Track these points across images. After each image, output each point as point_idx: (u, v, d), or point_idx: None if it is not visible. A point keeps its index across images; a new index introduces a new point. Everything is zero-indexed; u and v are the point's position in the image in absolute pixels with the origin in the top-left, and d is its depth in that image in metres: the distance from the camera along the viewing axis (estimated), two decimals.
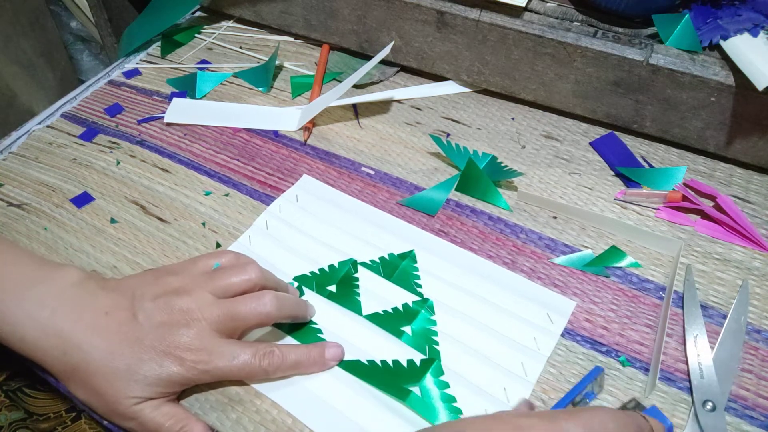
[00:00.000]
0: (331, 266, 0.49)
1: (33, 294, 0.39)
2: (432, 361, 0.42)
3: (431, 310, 0.46)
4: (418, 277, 0.48)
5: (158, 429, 0.38)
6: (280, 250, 0.50)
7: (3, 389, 0.44)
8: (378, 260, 0.49)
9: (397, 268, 0.48)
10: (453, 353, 0.43)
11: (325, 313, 0.46)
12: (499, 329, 0.45)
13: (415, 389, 0.41)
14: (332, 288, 0.47)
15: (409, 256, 0.49)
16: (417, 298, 0.46)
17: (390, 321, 0.45)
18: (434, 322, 0.45)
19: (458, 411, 0.40)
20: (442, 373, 0.42)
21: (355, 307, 0.46)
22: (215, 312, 0.39)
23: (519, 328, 0.44)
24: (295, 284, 0.48)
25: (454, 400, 0.41)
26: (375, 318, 0.45)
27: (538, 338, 0.44)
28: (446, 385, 0.41)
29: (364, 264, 0.49)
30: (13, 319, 0.38)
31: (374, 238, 0.51)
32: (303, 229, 0.52)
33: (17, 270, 0.40)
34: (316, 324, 0.45)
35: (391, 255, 0.49)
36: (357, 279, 0.48)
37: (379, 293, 0.47)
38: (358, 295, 0.47)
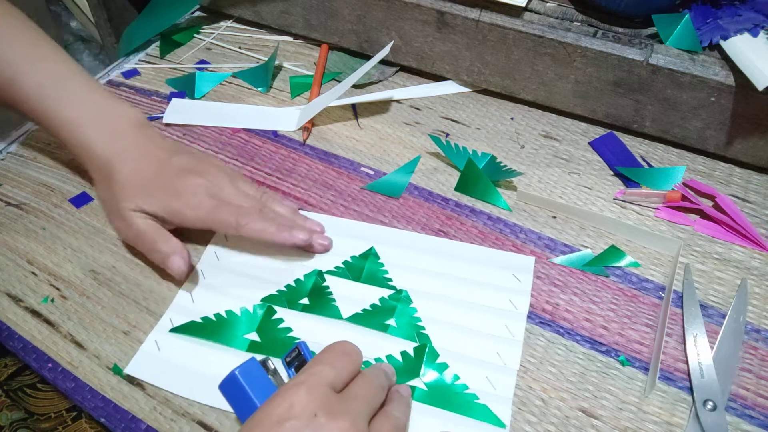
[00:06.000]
0: (297, 280, 0.48)
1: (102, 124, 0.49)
2: (424, 346, 0.43)
3: (408, 300, 0.46)
4: (386, 272, 0.48)
5: (141, 236, 0.47)
6: (237, 277, 0.49)
7: (4, 389, 0.44)
8: (342, 265, 0.49)
9: (363, 269, 0.48)
10: (441, 334, 0.44)
11: (304, 326, 0.45)
12: (476, 300, 0.46)
13: (418, 383, 0.41)
14: (305, 301, 0.47)
15: (371, 254, 0.49)
16: (391, 291, 0.47)
17: (372, 318, 0.45)
18: (415, 309, 0.46)
19: (464, 386, 0.41)
20: (437, 355, 0.43)
21: (333, 312, 0.46)
22: None
23: (493, 295, 0.46)
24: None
25: (457, 378, 0.42)
26: (356, 318, 0.45)
27: (513, 299, 0.46)
28: (445, 366, 0.42)
29: (329, 272, 0.48)
30: (82, 131, 0.48)
31: (331, 246, 0.50)
32: (254, 252, 0.51)
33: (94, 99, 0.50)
34: (299, 338, 0.44)
35: (353, 257, 0.49)
36: (328, 287, 0.47)
37: (353, 296, 0.47)
38: (334, 300, 0.46)
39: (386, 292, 0.47)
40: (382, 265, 0.49)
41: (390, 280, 0.48)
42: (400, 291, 0.47)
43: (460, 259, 0.49)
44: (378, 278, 0.48)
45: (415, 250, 0.49)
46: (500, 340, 0.44)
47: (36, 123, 0.50)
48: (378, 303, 0.46)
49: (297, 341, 0.42)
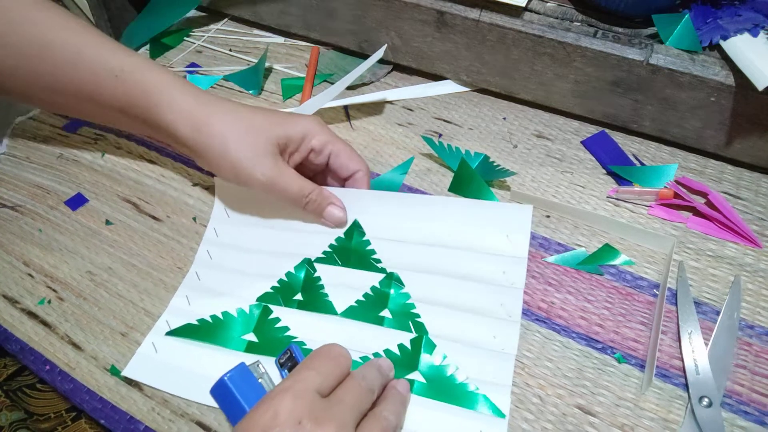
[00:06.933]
0: (288, 274, 0.48)
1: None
2: (420, 338, 0.43)
3: (400, 283, 0.46)
4: (374, 252, 0.48)
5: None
6: (233, 275, 0.49)
7: (3, 389, 0.44)
8: (329, 249, 0.49)
9: (351, 250, 0.48)
10: (436, 319, 0.44)
11: (301, 323, 0.45)
12: (467, 272, 0.46)
13: (417, 376, 0.41)
14: (299, 297, 0.47)
15: (356, 230, 0.49)
16: (382, 276, 0.47)
17: (366, 310, 0.45)
18: (408, 295, 0.45)
19: (463, 377, 0.41)
20: (434, 346, 0.43)
21: (328, 308, 0.46)
22: None
23: (485, 267, 0.46)
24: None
25: (455, 368, 0.42)
26: (351, 312, 0.45)
27: (507, 271, 0.45)
28: (443, 357, 0.42)
29: (318, 260, 0.48)
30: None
31: (317, 225, 0.50)
32: (246, 245, 0.51)
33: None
34: (296, 337, 0.45)
35: (338, 239, 0.49)
36: (319, 279, 0.47)
37: (345, 285, 0.47)
38: (327, 295, 0.46)
39: (377, 278, 0.46)
40: (368, 243, 0.48)
41: (379, 261, 0.47)
42: (391, 274, 0.46)
43: (448, 216, 0.48)
44: (366, 261, 0.48)
45: (399, 216, 0.49)
46: (496, 321, 0.43)
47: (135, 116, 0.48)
48: (371, 292, 0.46)
49: (290, 344, 0.42)
